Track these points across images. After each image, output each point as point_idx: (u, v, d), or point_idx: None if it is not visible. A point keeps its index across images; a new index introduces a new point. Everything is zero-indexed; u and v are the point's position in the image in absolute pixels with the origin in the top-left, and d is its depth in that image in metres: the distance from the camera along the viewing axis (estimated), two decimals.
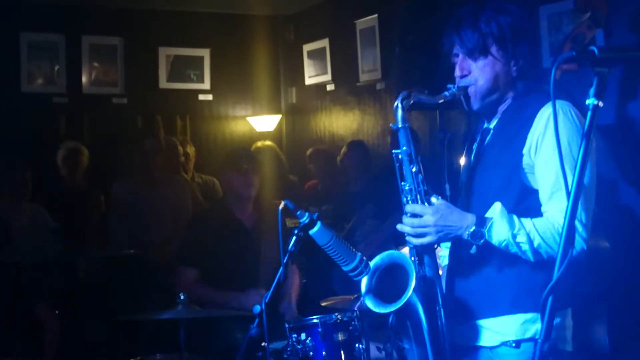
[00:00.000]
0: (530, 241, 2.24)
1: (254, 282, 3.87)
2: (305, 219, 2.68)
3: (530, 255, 2.25)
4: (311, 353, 3.05)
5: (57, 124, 6.22)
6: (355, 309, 3.21)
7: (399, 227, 2.38)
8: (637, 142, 3.71)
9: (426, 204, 2.35)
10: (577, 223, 2.08)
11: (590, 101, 1.54)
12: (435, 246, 2.42)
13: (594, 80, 1.55)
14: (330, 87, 6.52)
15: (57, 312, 4.18)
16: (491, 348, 2.37)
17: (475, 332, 2.40)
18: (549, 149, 2.25)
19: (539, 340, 1.50)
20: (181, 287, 3.78)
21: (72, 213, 5.25)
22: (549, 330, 1.50)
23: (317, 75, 6.67)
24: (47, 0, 6.07)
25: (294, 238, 2.68)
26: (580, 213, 2.20)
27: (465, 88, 2.43)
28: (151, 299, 4.40)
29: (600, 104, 1.54)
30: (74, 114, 6.30)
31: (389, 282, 2.40)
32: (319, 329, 3.07)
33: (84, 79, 6.36)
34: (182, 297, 3.34)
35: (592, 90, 1.54)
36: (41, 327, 3.92)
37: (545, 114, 2.30)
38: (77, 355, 4.49)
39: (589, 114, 1.54)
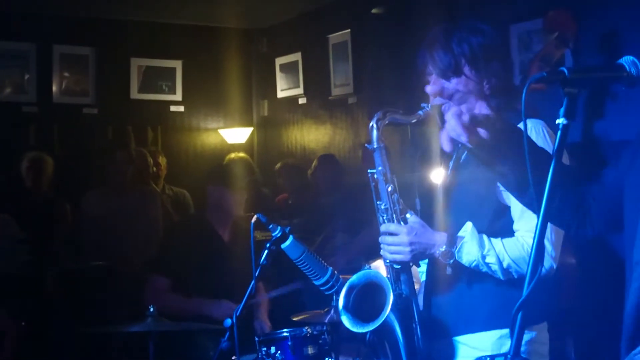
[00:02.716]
0: (500, 262, 2.26)
1: (228, 296, 3.85)
2: (277, 232, 2.69)
3: (500, 275, 2.27)
4: None
5: (26, 133, 6.13)
6: (326, 322, 3.21)
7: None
8: (602, 161, 3.76)
9: (402, 222, 2.37)
10: (546, 242, 2.10)
11: (561, 121, 1.54)
12: (412, 266, 2.44)
13: (564, 101, 1.55)
14: (302, 101, 6.53)
15: (22, 323, 4.15)
16: None
17: (452, 348, 2.41)
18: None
19: (509, 357, 1.51)
20: (151, 295, 3.76)
21: (38, 223, 5.17)
22: (518, 346, 1.50)
23: (289, 88, 6.68)
24: (18, 9, 5.99)
25: (266, 251, 2.69)
26: (550, 232, 2.22)
27: (440, 107, 2.45)
28: (121, 311, 4.35)
29: (568, 122, 1.55)
30: (43, 123, 6.23)
31: (366, 301, 2.41)
32: (289, 343, 3.06)
33: (55, 89, 6.30)
34: (151, 309, 3.31)
35: (562, 110, 1.55)
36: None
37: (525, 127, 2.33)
38: None
39: (559, 133, 1.55)
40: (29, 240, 4.93)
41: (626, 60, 1.60)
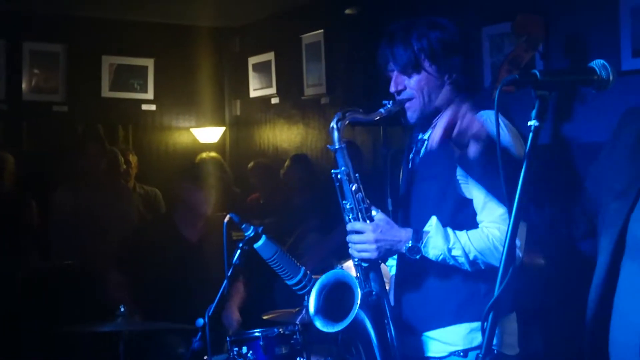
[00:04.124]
0: (466, 254, 2.28)
1: (191, 296, 3.82)
2: (250, 232, 2.69)
3: (467, 266, 2.29)
4: None
5: None
6: (297, 322, 3.21)
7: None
8: (571, 163, 3.80)
9: (367, 220, 2.38)
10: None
11: (532, 123, 1.56)
12: (381, 263, 2.45)
13: (535, 103, 1.57)
14: (274, 100, 6.52)
15: None
16: (440, 358, 2.40)
17: (425, 343, 2.43)
18: None
19: (480, 356, 1.52)
20: (109, 287, 3.76)
21: (2, 222, 5.13)
22: (489, 344, 1.52)
23: (261, 88, 6.68)
24: None
25: (239, 251, 2.69)
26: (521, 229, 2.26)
27: (402, 103, 2.47)
28: (91, 311, 4.32)
29: (541, 124, 1.56)
30: (13, 121, 6.15)
31: (336, 300, 2.42)
32: (261, 342, 3.06)
33: (24, 86, 6.22)
34: (122, 309, 3.30)
35: (534, 113, 1.56)
36: None
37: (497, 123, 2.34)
38: None
39: (531, 135, 1.56)
40: None
41: (597, 63, 1.63)
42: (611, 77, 1.62)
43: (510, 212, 1.55)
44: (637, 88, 3.47)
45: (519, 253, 2.30)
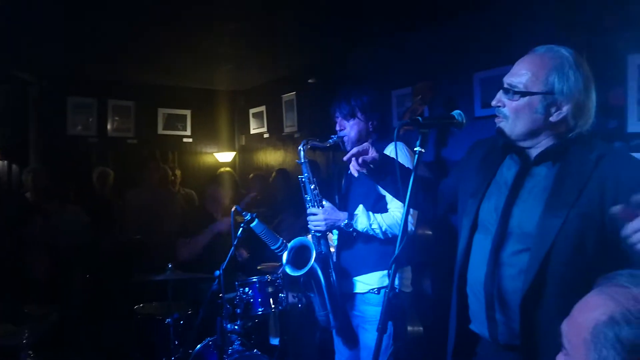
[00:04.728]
0: (380, 227, 2.30)
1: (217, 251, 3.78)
2: (248, 217, 2.68)
3: (381, 236, 2.31)
4: (251, 300, 3.03)
5: (89, 157, 5.98)
6: (279, 272, 3.21)
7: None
8: (445, 172, 3.85)
9: (320, 207, 2.39)
10: (410, 217, 2.15)
11: (417, 149, 1.57)
12: (328, 233, 2.46)
13: (419, 136, 1.58)
14: (266, 136, 6.47)
15: (87, 275, 4.01)
16: (363, 294, 2.41)
17: (354, 284, 2.44)
18: None
19: (386, 290, 1.53)
20: (182, 248, 3.69)
21: (101, 213, 5.06)
22: (392, 284, 1.53)
23: (258, 128, 6.62)
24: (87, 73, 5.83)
25: (240, 229, 2.68)
26: (412, 211, 2.28)
27: (342, 137, 2.48)
28: (151, 265, 4.26)
29: (423, 150, 1.57)
30: (102, 149, 6.06)
31: (300, 256, 2.42)
32: (257, 285, 3.05)
33: (109, 127, 6.14)
34: (169, 265, 3.26)
35: (418, 142, 1.57)
36: None
37: (388, 150, 2.37)
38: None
39: (416, 156, 1.56)
40: (92, 222, 4.81)
41: (456, 112, 1.66)
42: (464, 121, 1.65)
43: (404, 203, 1.56)
44: (484, 127, 3.51)
45: (412, 228, 2.33)
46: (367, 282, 2.39)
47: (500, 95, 1.58)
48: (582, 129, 1.54)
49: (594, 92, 1.55)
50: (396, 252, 1.51)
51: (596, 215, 1.44)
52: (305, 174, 2.41)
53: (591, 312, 0.76)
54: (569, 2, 2.97)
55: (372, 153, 1.81)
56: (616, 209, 1.21)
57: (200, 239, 3.81)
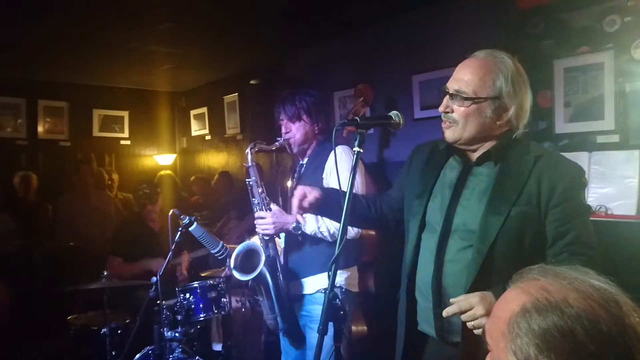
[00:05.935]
0: (328, 230, 2.30)
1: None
2: (186, 220, 2.61)
3: (329, 238, 2.31)
4: (193, 306, 2.96)
5: (18, 159, 5.64)
6: (222, 276, 3.15)
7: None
8: (389, 175, 3.91)
9: (268, 211, 2.36)
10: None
11: (356, 149, 1.57)
12: (275, 237, 2.43)
13: (357, 137, 1.57)
14: (208, 137, 6.35)
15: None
16: (311, 294, 2.40)
17: (302, 285, 2.42)
18: (335, 173, 2.33)
19: (327, 291, 1.52)
20: (111, 269, 3.54)
21: (27, 218, 4.77)
22: (332, 285, 1.52)
23: (199, 129, 6.49)
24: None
25: (179, 233, 2.60)
26: None
27: (288, 140, 2.47)
28: (84, 275, 4.07)
29: (362, 150, 1.56)
30: (32, 152, 5.75)
31: (248, 260, 2.38)
32: (198, 290, 2.98)
33: (40, 129, 5.82)
34: (104, 273, 3.12)
35: (356, 142, 1.57)
36: None
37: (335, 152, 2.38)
38: None
39: (355, 156, 1.56)
40: (20, 230, 4.56)
41: (393, 113, 1.67)
42: (401, 121, 1.66)
43: (344, 203, 1.55)
44: (424, 129, 3.58)
45: (359, 232, 2.34)
46: (316, 283, 2.39)
47: (447, 101, 1.61)
48: (521, 129, 1.60)
49: (530, 93, 1.61)
50: (336, 253, 1.50)
51: (534, 213, 1.50)
52: (253, 177, 2.37)
53: (507, 305, 0.81)
54: (499, 8, 3.09)
55: (314, 193, 1.80)
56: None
57: (129, 268, 3.67)
